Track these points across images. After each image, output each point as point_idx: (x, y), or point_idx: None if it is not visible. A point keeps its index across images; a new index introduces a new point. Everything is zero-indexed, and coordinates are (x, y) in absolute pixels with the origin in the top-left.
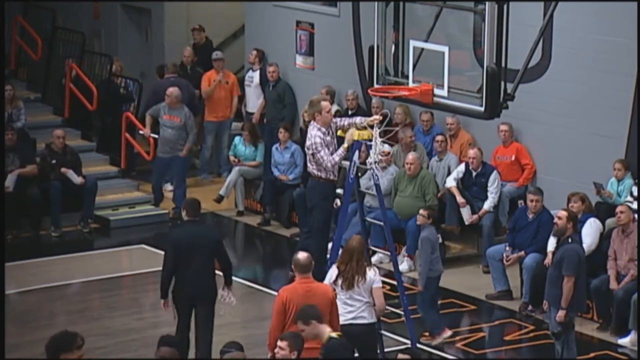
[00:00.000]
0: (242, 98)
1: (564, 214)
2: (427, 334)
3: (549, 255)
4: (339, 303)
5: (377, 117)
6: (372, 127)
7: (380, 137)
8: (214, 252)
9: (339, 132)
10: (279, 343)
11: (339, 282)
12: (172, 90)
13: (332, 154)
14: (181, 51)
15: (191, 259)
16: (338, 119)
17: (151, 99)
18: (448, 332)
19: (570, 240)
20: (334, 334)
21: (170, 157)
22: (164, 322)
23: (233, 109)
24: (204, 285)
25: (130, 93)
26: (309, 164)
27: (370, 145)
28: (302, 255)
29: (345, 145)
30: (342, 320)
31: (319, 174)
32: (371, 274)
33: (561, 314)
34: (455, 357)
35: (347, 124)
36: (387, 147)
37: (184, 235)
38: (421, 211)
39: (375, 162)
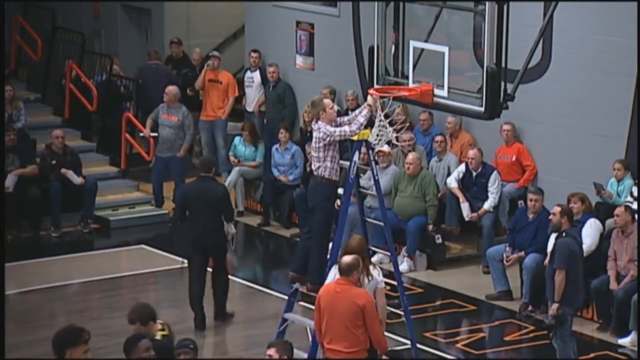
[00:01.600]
0: (240, 98)
1: (557, 209)
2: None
3: (549, 256)
4: None
5: (372, 93)
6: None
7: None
8: (220, 204)
9: None
10: (267, 351)
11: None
12: (171, 89)
13: (333, 153)
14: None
15: (200, 210)
16: (337, 118)
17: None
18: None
19: (564, 234)
20: (158, 336)
21: (168, 157)
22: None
23: (226, 109)
24: (213, 234)
25: (130, 93)
26: (314, 163)
27: (371, 145)
28: (346, 257)
29: (369, 105)
30: None
31: (322, 173)
32: (376, 273)
33: (553, 307)
34: (455, 357)
35: (347, 120)
36: (386, 148)
37: (193, 189)
38: None
39: (379, 137)
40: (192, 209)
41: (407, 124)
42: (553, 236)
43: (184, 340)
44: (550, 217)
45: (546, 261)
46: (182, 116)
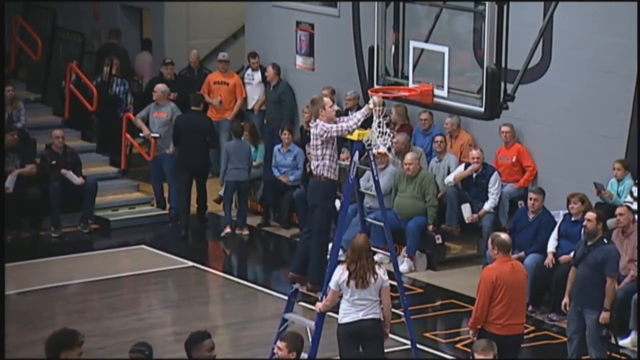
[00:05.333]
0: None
1: (593, 215)
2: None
3: (550, 256)
4: (346, 304)
5: (375, 100)
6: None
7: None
8: (205, 133)
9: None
10: (278, 344)
11: (352, 283)
12: (159, 86)
13: (331, 152)
14: (181, 52)
15: (189, 138)
16: (337, 118)
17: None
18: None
19: (605, 241)
20: None
21: (160, 154)
22: (163, 322)
23: (235, 110)
24: (199, 159)
25: (124, 94)
26: (313, 161)
27: (365, 147)
28: (504, 234)
29: (369, 106)
30: (351, 318)
31: (321, 172)
32: (381, 272)
33: (606, 315)
34: (455, 357)
35: (346, 120)
36: (383, 148)
37: (184, 120)
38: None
39: (376, 137)
40: (182, 137)
41: (400, 125)
42: (553, 237)
43: (138, 345)
44: (585, 223)
45: (546, 262)
46: (171, 112)
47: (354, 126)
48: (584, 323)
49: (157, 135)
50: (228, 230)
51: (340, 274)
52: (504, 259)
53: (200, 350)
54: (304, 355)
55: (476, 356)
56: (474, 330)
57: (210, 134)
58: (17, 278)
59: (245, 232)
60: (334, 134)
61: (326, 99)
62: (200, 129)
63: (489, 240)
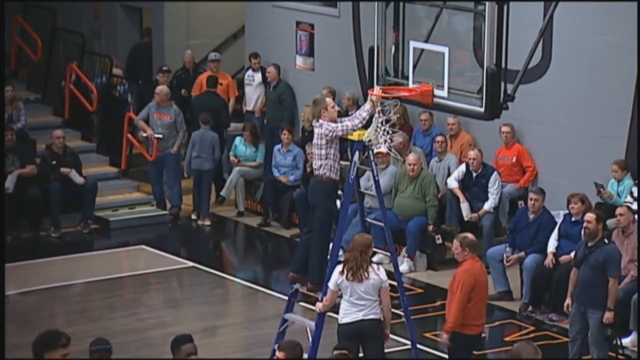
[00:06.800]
0: (241, 98)
1: (592, 216)
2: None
3: (550, 256)
4: (346, 304)
5: (374, 98)
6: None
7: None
8: (219, 111)
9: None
10: (277, 354)
11: (346, 275)
12: (162, 88)
13: (334, 152)
14: (181, 52)
15: (205, 116)
16: (338, 118)
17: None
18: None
19: (606, 241)
20: None
21: (162, 155)
22: (163, 322)
23: (229, 110)
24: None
25: (126, 95)
26: (315, 161)
27: (371, 147)
28: (470, 235)
29: (371, 101)
30: (351, 318)
31: (323, 172)
32: (382, 272)
33: (609, 315)
34: None
35: (351, 118)
36: (383, 148)
37: (199, 100)
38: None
39: (377, 137)
40: (197, 115)
41: (401, 123)
42: (553, 237)
43: (98, 343)
44: (585, 225)
45: (546, 262)
46: (174, 114)
47: (359, 124)
48: (587, 323)
49: (160, 136)
50: (208, 222)
51: (339, 273)
52: (475, 259)
53: (179, 355)
54: (304, 355)
55: (524, 357)
56: (449, 334)
57: (222, 114)
58: (17, 278)
59: (207, 222)
60: (340, 133)
61: (329, 99)
62: (213, 108)
63: (456, 242)
